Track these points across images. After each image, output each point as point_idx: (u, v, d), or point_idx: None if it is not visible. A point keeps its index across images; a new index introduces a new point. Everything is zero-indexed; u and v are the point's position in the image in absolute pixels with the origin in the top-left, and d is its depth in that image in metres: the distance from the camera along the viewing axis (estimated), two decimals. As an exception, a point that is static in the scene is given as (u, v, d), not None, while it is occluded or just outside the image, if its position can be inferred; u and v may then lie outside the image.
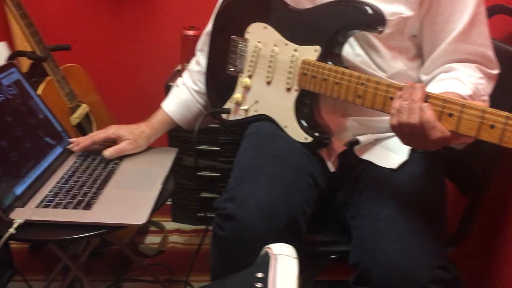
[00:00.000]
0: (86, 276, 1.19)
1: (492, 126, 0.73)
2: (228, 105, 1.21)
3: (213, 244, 0.98)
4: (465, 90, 0.90)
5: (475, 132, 0.75)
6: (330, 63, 0.98)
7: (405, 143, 0.85)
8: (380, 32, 0.94)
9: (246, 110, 1.16)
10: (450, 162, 1.08)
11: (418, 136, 0.80)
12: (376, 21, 0.93)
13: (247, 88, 1.16)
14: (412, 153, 1.04)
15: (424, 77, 1.05)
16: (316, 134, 1.04)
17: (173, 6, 1.95)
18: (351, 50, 1.03)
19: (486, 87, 0.96)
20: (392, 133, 1.08)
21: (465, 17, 0.96)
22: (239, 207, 0.91)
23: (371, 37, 1.00)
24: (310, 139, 1.04)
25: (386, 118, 1.06)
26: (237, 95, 1.18)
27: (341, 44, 1.00)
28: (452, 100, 0.77)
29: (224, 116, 1.23)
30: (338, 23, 0.97)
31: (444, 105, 0.78)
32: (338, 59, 1.00)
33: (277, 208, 0.91)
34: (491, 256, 1.29)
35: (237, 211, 0.91)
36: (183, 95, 1.30)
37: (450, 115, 0.77)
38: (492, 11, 1.05)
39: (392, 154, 1.05)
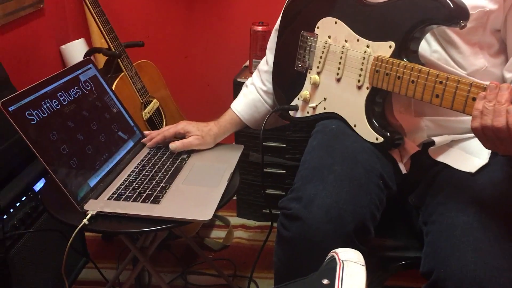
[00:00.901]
0: (153, 268, 1.22)
1: None
2: (296, 102, 1.19)
3: (277, 244, 0.96)
4: None
5: None
6: (405, 60, 0.93)
7: (488, 148, 0.79)
8: (463, 27, 0.88)
9: (314, 108, 1.14)
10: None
11: (504, 141, 0.75)
12: (458, 15, 0.86)
13: (315, 85, 1.13)
14: (493, 156, 0.97)
15: (508, 75, 0.98)
16: (388, 134, 0.99)
17: (242, 2, 1.96)
18: (428, 46, 0.98)
19: None
20: (471, 134, 1.02)
21: None
22: (305, 208, 0.89)
23: (450, 32, 0.94)
24: (381, 139, 1.00)
25: (465, 118, 1.01)
26: (305, 91, 1.15)
27: (417, 40, 0.95)
28: None
29: (291, 113, 1.21)
30: (416, 17, 0.92)
31: None
32: (414, 56, 0.95)
33: (345, 210, 0.88)
34: None
35: (303, 211, 0.89)
36: (251, 95, 1.30)
37: None
38: None
39: (470, 156, 0.99)
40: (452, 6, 0.86)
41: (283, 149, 1.78)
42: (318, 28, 1.12)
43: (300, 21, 1.16)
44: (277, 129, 1.73)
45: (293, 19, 1.18)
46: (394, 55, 0.95)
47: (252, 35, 1.73)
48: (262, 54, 1.73)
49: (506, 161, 0.97)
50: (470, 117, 1.00)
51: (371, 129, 1.01)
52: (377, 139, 1.00)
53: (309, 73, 1.14)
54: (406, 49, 0.95)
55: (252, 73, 1.75)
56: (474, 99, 0.79)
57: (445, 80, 0.84)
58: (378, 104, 1.02)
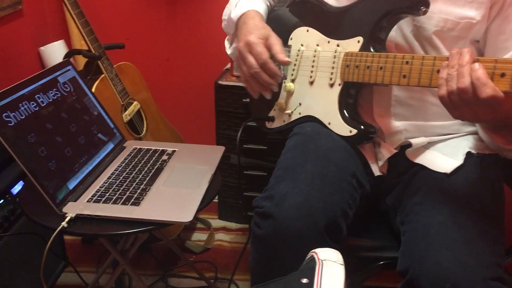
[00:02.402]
0: (133, 271, 1.21)
1: None
2: (272, 113, 1.21)
3: (252, 243, 0.97)
4: None
5: None
6: (373, 50, 0.97)
7: (456, 116, 0.81)
8: (424, 12, 0.91)
9: (289, 114, 1.15)
10: (510, 167, 1.02)
11: (469, 103, 0.76)
12: (419, 2, 0.90)
13: (290, 93, 1.15)
14: (468, 157, 1.00)
15: None
16: (362, 127, 1.01)
17: (224, 5, 1.96)
18: (411, 52, 1.00)
19: None
20: (447, 136, 1.05)
21: None
22: (277, 206, 0.90)
23: (435, 38, 0.97)
24: (355, 131, 1.01)
25: (443, 123, 1.03)
26: (280, 100, 1.17)
27: (385, 30, 0.98)
28: (503, 59, 0.74)
29: (268, 124, 1.22)
30: (382, 9, 0.96)
31: (496, 66, 0.75)
32: (382, 45, 0.99)
33: (316, 207, 0.89)
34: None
35: (274, 209, 0.90)
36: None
37: (503, 75, 0.74)
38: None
39: (446, 158, 1.01)
40: None
41: (263, 151, 1.78)
42: (291, 39, 1.15)
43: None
44: (258, 132, 1.74)
45: None
46: (363, 48, 0.99)
47: (233, 38, 1.73)
48: (243, 57, 1.75)
49: (480, 162, 1.00)
50: (448, 122, 1.04)
51: (344, 123, 1.03)
52: (350, 131, 1.02)
53: (284, 82, 1.16)
54: (374, 41, 0.98)
55: (233, 75, 1.77)
56: (439, 71, 0.82)
57: (410, 59, 0.87)
58: (351, 97, 1.04)
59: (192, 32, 2.04)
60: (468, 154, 1.00)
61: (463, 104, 0.77)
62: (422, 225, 0.89)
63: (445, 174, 0.98)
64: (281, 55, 1.02)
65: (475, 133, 1.06)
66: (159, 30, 2.04)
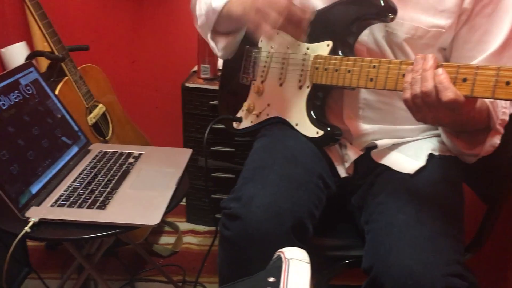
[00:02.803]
0: (100, 275, 1.20)
1: (507, 83, 0.72)
2: (240, 114, 1.21)
3: (220, 244, 0.97)
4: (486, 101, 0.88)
5: (491, 93, 0.74)
6: (341, 54, 0.99)
7: (418, 118, 0.83)
8: (392, 19, 0.94)
9: (257, 115, 1.16)
10: (469, 168, 1.06)
11: (431, 106, 0.79)
12: (387, 10, 0.93)
13: (259, 93, 1.16)
14: (430, 158, 1.03)
15: None
16: (328, 129, 1.03)
17: (190, 8, 1.96)
18: (382, 57, 1.02)
19: (509, 106, 0.94)
20: (411, 138, 1.08)
21: (498, 39, 0.95)
22: (244, 207, 0.90)
23: (406, 45, 1.00)
24: (321, 132, 1.03)
25: (409, 127, 1.06)
26: (249, 101, 1.18)
27: (354, 35, 1.00)
28: (465, 65, 0.77)
29: (235, 125, 1.22)
30: (351, 15, 0.98)
31: (458, 71, 0.77)
32: (350, 50, 1.01)
33: (283, 208, 0.90)
34: (508, 263, 1.27)
35: (242, 210, 0.90)
36: None
37: (464, 80, 0.77)
38: None
39: (409, 159, 1.04)
40: (383, 3, 0.94)
41: (231, 153, 1.79)
42: (261, 41, 1.16)
43: (245, 39, 1.19)
44: (226, 134, 1.74)
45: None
46: (332, 52, 1.01)
47: (200, 40, 1.73)
48: (210, 60, 1.75)
49: (441, 163, 1.03)
50: (414, 126, 1.07)
51: (311, 124, 1.04)
52: (317, 133, 1.04)
53: (253, 83, 1.17)
54: (343, 45, 1.01)
55: (200, 78, 1.77)
56: (404, 75, 0.84)
57: (377, 63, 0.90)
58: (318, 99, 1.06)
59: (159, 34, 2.02)
60: (430, 155, 1.03)
61: (425, 107, 0.80)
62: (385, 224, 0.91)
63: (408, 174, 1.00)
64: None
65: (437, 135, 1.09)
66: (124, 32, 2.02)
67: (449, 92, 0.76)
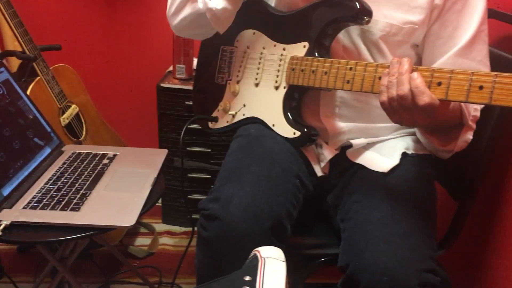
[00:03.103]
0: (74, 279, 1.18)
1: (480, 87, 0.74)
2: (216, 113, 1.21)
3: (197, 245, 0.97)
4: None
5: (465, 96, 0.76)
6: (318, 56, 1.00)
7: (395, 120, 0.85)
8: (367, 22, 0.95)
9: (233, 115, 1.16)
10: (441, 167, 1.08)
11: (407, 109, 0.80)
12: (363, 13, 0.95)
13: (235, 93, 1.16)
14: (404, 157, 1.04)
15: None
16: (305, 129, 1.04)
17: (165, 7, 1.95)
18: (358, 55, 1.04)
19: None
20: (385, 137, 1.09)
21: (468, 34, 0.97)
22: (223, 208, 0.90)
23: (381, 43, 1.01)
24: (298, 133, 1.04)
25: (384, 125, 1.08)
26: (225, 101, 1.18)
27: (330, 37, 1.02)
28: (440, 69, 0.79)
29: (211, 125, 1.22)
30: (328, 17, 0.99)
31: (433, 74, 0.79)
32: (326, 51, 1.02)
33: (261, 208, 0.90)
34: (480, 259, 1.30)
35: (221, 211, 0.90)
36: None
37: (439, 83, 0.78)
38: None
39: (384, 158, 1.06)
40: (358, 6, 0.95)
41: (207, 154, 1.78)
42: (237, 41, 1.16)
43: (220, 39, 1.18)
44: (202, 134, 1.74)
45: (212, 38, 1.18)
46: (309, 53, 1.02)
47: (175, 40, 1.73)
48: (185, 60, 1.74)
49: (414, 161, 1.05)
50: (389, 125, 1.09)
51: (288, 125, 1.05)
52: (294, 133, 1.04)
53: (229, 83, 1.17)
54: (319, 46, 1.01)
55: (176, 78, 1.76)
56: (380, 78, 0.85)
57: (354, 65, 0.91)
58: (295, 99, 1.07)
59: (133, 34, 2.00)
60: (404, 154, 1.05)
61: (402, 110, 0.81)
62: (361, 221, 0.93)
63: (382, 173, 1.02)
64: None
65: (411, 134, 1.11)
66: (98, 32, 1.99)
67: (425, 96, 0.78)
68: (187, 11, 1.07)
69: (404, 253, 0.85)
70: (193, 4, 1.04)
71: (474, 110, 0.94)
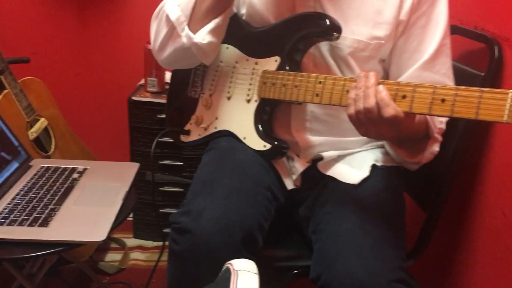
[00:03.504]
0: (42, 296, 1.15)
1: (443, 100, 0.76)
2: (188, 127, 1.21)
3: (169, 259, 0.96)
4: None
5: (428, 109, 0.78)
6: (289, 70, 1.02)
7: (362, 132, 0.87)
8: (336, 38, 0.97)
9: (205, 128, 1.17)
10: (409, 178, 1.11)
11: (373, 122, 0.82)
12: (332, 29, 0.97)
13: (207, 106, 1.16)
14: (373, 169, 1.06)
15: None
16: (275, 142, 1.05)
17: (136, 20, 1.95)
18: (328, 70, 1.05)
19: None
20: (355, 150, 1.11)
21: (431, 48, 1.00)
22: (194, 221, 0.90)
23: (350, 58, 1.03)
24: (268, 146, 1.05)
25: (354, 138, 1.10)
26: (197, 114, 1.18)
27: (301, 52, 1.04)
28: (404, 82, 0.82)
29: (183, 138, 1.22)
30: (298, 33, 1.01)
31: (398, 88, 0.81)
32: (297, 66, 1.04)
33: (233, 221, 0.90)
34: (449, 268, 1.33)
35: (192, 224, 0.90)
36: None
37: (404, 97, 0.81)
38: (447, 32, 1.10)
39: (354, 170, 1.07)
40: (328, 23, 0.97)
41: (180, 167, 1.77)
42: None
43: None
44: (174, 148, 1.73)
45: None
46: (280, 67, 1.04)
47: (146, 53, 1.72)
48: (157, 73, 1.74)
49: (384, 173, 1.07)
50: (359, 138, 1.11)
51: (259, 138, 1.06)
52: (264, 146, 1.05)
53: (202, 97, 1.18)
54: (291, 60, 1.03)
55: (147, 91, 1.75)
56: (348, 91, 0.88)
57: (323, 79, 0.93)
58: (266, 113, 1.08)
59: (104, 46, 1.99)
60: (373, 166, 1.07)
61: (368, 123, 0.83)
62: (332, 233, 0.94)
63: (353, 185, 1.03)
64: None
65: (380, 147, 1.13)
66: (67, 44, 1.97)
67: (390, 109, 0.80)
68: (172, 46, 1.05)
69: (374, 264, 0.86)
70: (177, 39, 1.03)
71: (439, 123, 0.97)
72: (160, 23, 1.06)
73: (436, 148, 0.98)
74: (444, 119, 0.99)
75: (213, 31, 1.02)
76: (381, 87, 0.81)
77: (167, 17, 1.02)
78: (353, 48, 1.02)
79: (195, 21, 1.01)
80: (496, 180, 1.13)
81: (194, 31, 1.01)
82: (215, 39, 1.03)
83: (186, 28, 1.01)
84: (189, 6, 1.00)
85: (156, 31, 1.08)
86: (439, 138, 0.97)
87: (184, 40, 1.01)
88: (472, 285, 1.22)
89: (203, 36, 1.01)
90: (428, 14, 1.00)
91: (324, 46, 1.05)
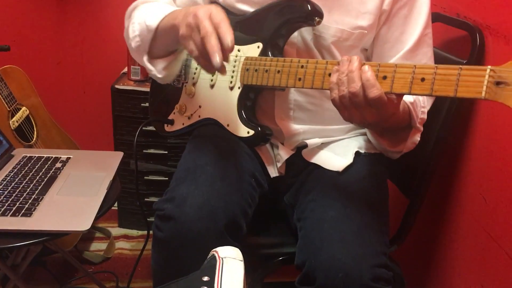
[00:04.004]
0: (27, 286, 1.14)
1: (422, 79, 0.76)
2: (171, 116, 1.21)
3: (153, 247, 0.96)
4: (407, 97, 0.94)
5: (408, 88, 0.78)
6: (271, 56, 1.02)
7: (346, 117, 0.85)
8: (318, 22, 0.97)
9: (189, 117, 1.16)
10: (392, 165, 1.12)
11: (358, 106, 0.81)
12: (314, 14, 0.97)
13: (191, 95, 1.16)
14: (357, 156, 1.07)
15: None
16: (259, 128, 1.05)
17: (119, 7, 1.92)
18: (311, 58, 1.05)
19: (426, 100, 1.01)
20: (338, 137, 1.12)
21: (413, 38, 1.01)
22: (178, 207, 0.90)
23: (333, 48, 1.04)
24: (252, 132, 1.05)
25: (337, 126, 1.11)
26: (181, 103, 1.18)
27: (283, 38, 1.04)
28: (385, 64, 0.81)
29: (167, 128, 1.22)
30: (280, 18, 1.01)
31: (379, 69, 0.81)
32: (280, 51, 1.04)
33: (216, 207, 0.91)
34: (431, 254, 1.35)
35: (176, 211, 0.90)
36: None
37: (384, 77, 0.80)
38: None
39: (338, 157, 1.08)
40: (309, 8, 0.97)
41: (164, 156, 1.77)
42: None
43: None
44: (158, 136, 1.72)
45: None
46: (262, 53, 1.03)
47: (130, 41, 1.70)
48: (140, 61, 1.72)
49: (367, 160, 1.08)
50: (342, 126, 1.11)
51: (242, 124, 1.06)
52: (248, 132, 1.05)
53: (185, 86, 1.17)
54: (273, 47, 1.03)
55: (131, 80, 1.74)
56: (330, 74, 0.86)
57: (305, 63, 0.92)
58: (249, 100, 1.08)
59: (86, 35, 1.96)
60: (357, 153, 1.08)
61: (352, 107, 0.82)
62: (316, 220, 0.95)
63: (337, 172, 1.04)
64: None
65: (363, 134, 1.14)
66: (48, 32, 1.94)
67: (375, 89, 0.79)
68: (137, 58, 1.10)
69: (357, 249, 0.87)
70: (141, 56, 1.07)
71: (421, 113, 0.98)
72: (128, 31, 1.08)
73: (417, 137, 0.99)
74: (426, 109, 1.00)
75: (168, 67, 1.07)
76: (366, 67, 0.80)
77: (133, 33, 1.06)
78: (336, 38, 1.03)
79: (153, 53, 1.06)
80: (476, 166, 1.15)
81: (154, 57, 1.06)
82: (171, 72, 1.09)
83: (145, 60, 1.06)
84: (147, 40, 1.03)
85: (126, 32, 1.10)
86: (421, 128, 0.99)
87: (146, 65, 1.07)
88: (454, 269, 1.24)
89: (160, 70, 1.06)
90: (411, 4, 1.01)
91: (307, 35, 1.05)
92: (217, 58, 0.83)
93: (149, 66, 1.06)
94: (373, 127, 1.00)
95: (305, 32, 1.05)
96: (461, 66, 0.73)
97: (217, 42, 0.85)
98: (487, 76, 0.70)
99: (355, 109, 0.83)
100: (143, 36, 1.03)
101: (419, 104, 0.98)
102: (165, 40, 1.02)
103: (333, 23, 1.01)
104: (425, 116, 1.00)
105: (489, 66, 0.70)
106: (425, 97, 1.01)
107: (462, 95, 0.73)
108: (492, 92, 0.70)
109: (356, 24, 1.02)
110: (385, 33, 1.04)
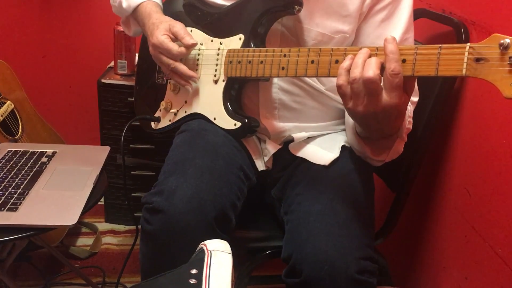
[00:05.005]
0: (12, 282, 1.14)
1: (404, 61, 0.77)
2: (158, 113, 1.21)
3: (141, 240, 0.96)
4: None
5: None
6: (253, 47, 1.02)
7: (350, 107, 0.81)
8: (298, 11, 0.98)
9: (175, 113, 1.16)
10: (378, 159, 1.13)
11: (370, 95, 0.77)
12: (293, 2, 0.97)
13: (175, 91, 1.16)
14: (343, 150, 1.08)
15: None
16: (245, 120, 1.05)
17: (105, 1, 1.91)
18: None
19: (411, 110, 1.02)
20: (324, 132, 1.13)
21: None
22: (166, 200, 0.90)
23: None
24: (239, 124, 1.05)
25: (321, 124, 1.12)
26: (166, 100, 1.17)
27: (264, 27, 1.04)
28: (367, 46, 0.80)
29: (153, 125, 1.21)
30: (260, 8, 1.02)
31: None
32: (262, 42, 1.04)
33: (205, 199, 0.91)
34: (416, 247, 1.37)
35: (164, 204, 0.90)
36: None
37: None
38: (415, 15, 1.12)
39: (324, 151, 1.09)
40: None
41: (152, 150, 1.76)
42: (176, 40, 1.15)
43: None
44: (145, 131, 1.71)
45: None
46: (244, 45, 1.04)
47: (116, 35, 1.69)
48: (127, 55, 1.71)
49: (353, 155, 1.08)
50: (325, 123, 1.12)
51: (228, 117, 1.06)
52: (235, 124, 1.05)
53: (170, 82, 1.17)
54: (255, 37, 1.04)
55: (117, 74, 1.72)
56: (337, 61, 0.84)
57: (288, 52, 0.93)
58: (234, 91, 1.08)
59: (71, 28, 1.94)
60: (343, 147, 1.09)
61: (364, 94, 0.78)
62: (303, 213, 0.95)
63: (323, 166, 1.05)
64: (187, 38, 1.04)
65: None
66: (32, 24, 1.91)
67: (398, 66, 0.75)
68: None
69: (343, 242, 0.88)
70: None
71: (408, 123, 0.98)
72: None
73: (401, 148, 0.97)
74: (411, 120, 0.99)
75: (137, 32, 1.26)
76: (390, 38, 0.77)
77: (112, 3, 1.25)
78: (317, 41, 1.03)
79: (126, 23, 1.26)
80: (461, 160, 1.17)
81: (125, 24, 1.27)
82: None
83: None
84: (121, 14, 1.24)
85: None
86: (406, 138, 0.98)
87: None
88: (439, 262, 1.26)
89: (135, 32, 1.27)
90: (390, 9, 1.01)
91: (290, 38, 1.05)
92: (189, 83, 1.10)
93: (122, 26, 1.29)
94: (370, 125, 0.90)
95: (288, 36, 1.05)
96: (441, 45, 0.73)
97: (182, 68, 1.06)
98: (466, 53, 0.71)
99: (362, 98, 0.79)
100: (119, 9, 1.21)
101: (407, 114, 0.98)
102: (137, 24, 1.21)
103: (314, 26, 1.02)
104: (411, 127, 0.99)
105: (468, 44, 0.71)
106: (411, 107, 1.01)
107: (443, 74, 0.74)
108: (472, 69, 0.71)
109: (337, 28, 1.02)
110: (361, 35, 1.04)
